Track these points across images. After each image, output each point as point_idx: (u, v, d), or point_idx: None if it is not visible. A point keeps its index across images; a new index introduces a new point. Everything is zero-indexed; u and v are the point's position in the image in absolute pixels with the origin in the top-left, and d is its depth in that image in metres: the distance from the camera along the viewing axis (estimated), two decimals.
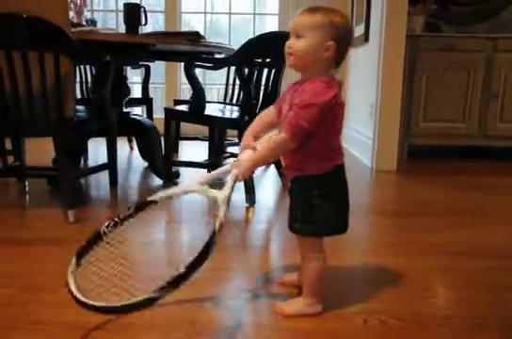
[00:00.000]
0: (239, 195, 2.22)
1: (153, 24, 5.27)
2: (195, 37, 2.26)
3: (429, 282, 1.42)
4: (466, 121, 3.43)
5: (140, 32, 2.49)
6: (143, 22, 2.42)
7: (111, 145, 2.20)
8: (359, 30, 3.64)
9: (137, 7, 2.43)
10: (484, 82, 3.38)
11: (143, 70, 3.65)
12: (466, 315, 1.20)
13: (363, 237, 1.84)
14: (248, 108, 2.17)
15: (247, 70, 2.14)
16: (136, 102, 3.57)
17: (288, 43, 1.12)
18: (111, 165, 2.23)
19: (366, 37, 3.35)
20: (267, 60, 2.18)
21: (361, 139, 3.41)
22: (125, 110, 2.73)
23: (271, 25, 4.74)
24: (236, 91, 3.03)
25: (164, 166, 2.41)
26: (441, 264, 1.54)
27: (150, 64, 3.57)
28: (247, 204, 2.14)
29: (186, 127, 3.11)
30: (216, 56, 2.69)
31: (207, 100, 2.39)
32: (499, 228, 1.94)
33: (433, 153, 3.72)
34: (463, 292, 1.35)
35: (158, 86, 4.91)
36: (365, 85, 3.39)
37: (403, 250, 1.66)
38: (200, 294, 1.28)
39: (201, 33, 2.34)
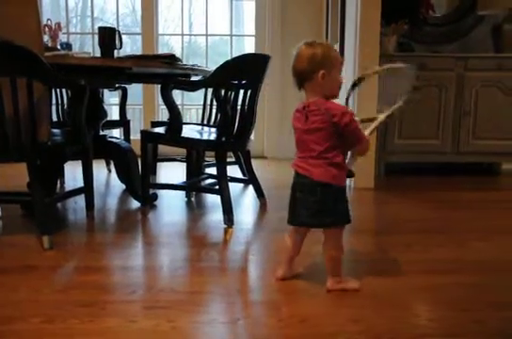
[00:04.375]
0: (217, 216, 2.21)
1: (131, 45, 5.29)
2: (171, 59, 2.27)
3: (409, 301, 1.42)
4: (440, 137, 3.50)
5: (116, 55, 2.50)
6: (118, 45, 2.43)
7: (87, 169, 2.18)
8: None
9: (112, 30, 2.44)
10: (456, 100, 3.46)
11: (120, 91, 3.64)
12: (445, 334, 1.21)
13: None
14: (225, 130, 2.17)
15: (223, 91, 2.16)
16: (113, 124, 3.55)
17: None
18: (87, 189, 2.21)
19: (341, 56, 3.41)
20: (243, 82, 2.20)
21: None
22: (102, 133, 2.72)
23: (249, 46, 4.80)
24: (214, 112, 3.04)
25: (141, 188, 2.39)
26: (421, 282, 1.55)
27: (127, 86, 3.57)
28: (225, 225, 2.13)
29: (165, 149, 3.10)
30: (193, 77, 2.70)
31: (184, 121, 2.39)
32: (476, 244, 1.96)
33: (409, 169, 3.77)
34: (443, 310, 1.35)
35: (136, 107, 4.90)
36: (341, 104, 3.43)
37: (382, 269, 1.67)
38: (178, 318, 1.26)
39: (179, 54, 2.36)
